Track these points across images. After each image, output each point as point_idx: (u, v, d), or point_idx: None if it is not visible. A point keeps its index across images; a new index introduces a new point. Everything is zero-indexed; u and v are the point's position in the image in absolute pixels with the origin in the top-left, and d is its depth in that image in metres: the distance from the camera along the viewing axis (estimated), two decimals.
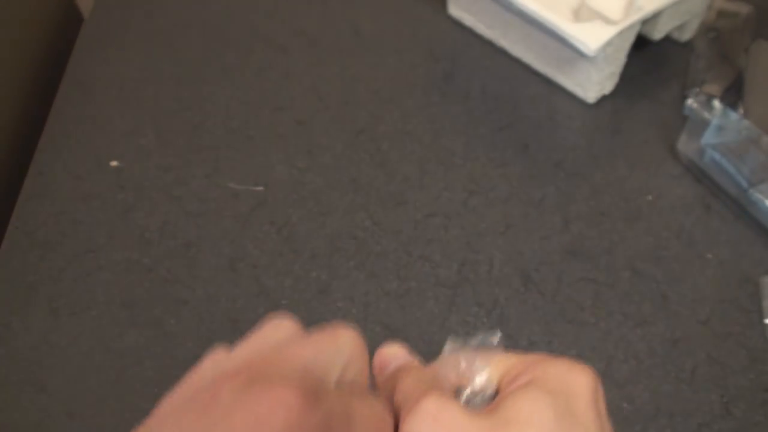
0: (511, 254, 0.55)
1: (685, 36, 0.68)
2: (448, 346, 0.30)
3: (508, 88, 0.66)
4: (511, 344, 0.51)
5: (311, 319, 0.52)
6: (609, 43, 0.58)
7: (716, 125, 0.57)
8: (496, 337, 0.29)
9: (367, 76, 0.67)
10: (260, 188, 0.59)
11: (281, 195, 0.59)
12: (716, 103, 0.61)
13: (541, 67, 0.66)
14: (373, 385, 0.30)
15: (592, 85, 0.63)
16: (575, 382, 0.26)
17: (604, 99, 0.65)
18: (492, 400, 0.27)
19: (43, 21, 0.77)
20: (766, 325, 0.51)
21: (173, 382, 0.23)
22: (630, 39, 0.61)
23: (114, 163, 0.61)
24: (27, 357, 0.51)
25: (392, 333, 0.51)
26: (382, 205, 0.58)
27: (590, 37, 0.57)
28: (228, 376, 0.23)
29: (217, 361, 0.25)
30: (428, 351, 0.51)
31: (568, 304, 0.53)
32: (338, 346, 0.26)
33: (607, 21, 0.61)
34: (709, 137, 0.57)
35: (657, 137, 0.62)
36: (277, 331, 0.26)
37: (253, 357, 0.24)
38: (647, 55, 0.68)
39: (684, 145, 0.59)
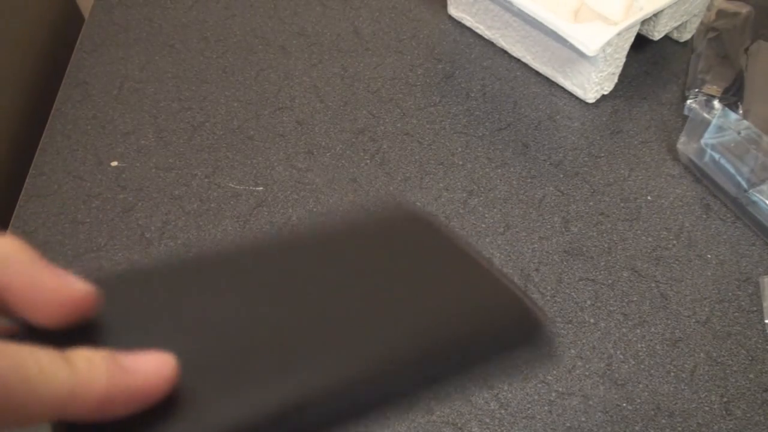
0: (511, 254, 0.55)
1: (685, 36, 0.68)
2: None
3: (508, 88, 0.66)
4: None
5: None
6: (609, 44, 0.58)
7: (716, 125, 0.57)
8: None
9: (367, 76, 0.67)
10: (260, 188, 0.59)
11: (281, 195, 0.59)
12: (716, 103, 0.61)
13: (541, 68, 0.66)
14: None
15: (591, 85, 0.63)
16: None
17: (603, 99, 0.65)
18: None
19: (43, 21, 0.77)
20: (766, 324, 0.51)
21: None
22: (630, 39, 0.61)
23: (114, 163, 0.61)
24: None
25: None
26: (382, 206, 0.58)
27: (590, 37, 0.57)
28: None
29: None
30: None
31: (567, 304, 0.53)
32: None
33: (607, 21, 0.62)
34: (709, 137, 0.57)
35: (657, 137, 0.62)
36: None
37: None
38: (647, 55, 0.68)
39: (684, 145, 0.59)
